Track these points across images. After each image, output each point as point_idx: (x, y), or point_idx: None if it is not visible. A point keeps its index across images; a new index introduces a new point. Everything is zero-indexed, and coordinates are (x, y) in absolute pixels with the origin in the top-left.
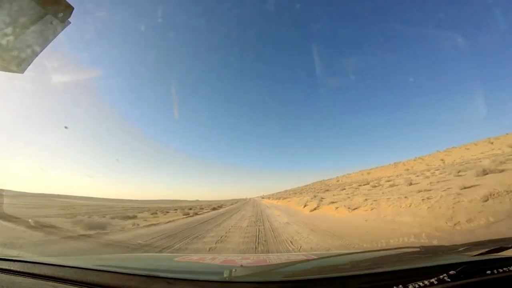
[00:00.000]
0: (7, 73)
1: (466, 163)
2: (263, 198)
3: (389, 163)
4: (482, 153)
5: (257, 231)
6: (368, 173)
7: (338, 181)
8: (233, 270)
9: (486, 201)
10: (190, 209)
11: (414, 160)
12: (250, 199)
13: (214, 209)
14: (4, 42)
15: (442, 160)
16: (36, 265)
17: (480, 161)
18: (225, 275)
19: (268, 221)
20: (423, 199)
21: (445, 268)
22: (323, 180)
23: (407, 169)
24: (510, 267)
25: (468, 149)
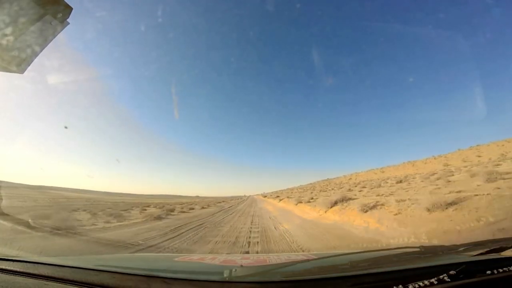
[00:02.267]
0: (7, 73)
1: None
2: (265, 196)
3: (401, 162)
4: None
5: None
6: (382, 172)
7: (350, 179)
8: (233, 270)
9: None
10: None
11: (434, 159)
12: (248, 197)
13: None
14: (4, 42)
15: (478, 156)
16: (36, 265)
17: None
18: (225, 275)
19: None
20: None
21: (445, 268)
22: (328, 179)
23: (446, 164)
24: (510, 267)
25: (503, 145)
